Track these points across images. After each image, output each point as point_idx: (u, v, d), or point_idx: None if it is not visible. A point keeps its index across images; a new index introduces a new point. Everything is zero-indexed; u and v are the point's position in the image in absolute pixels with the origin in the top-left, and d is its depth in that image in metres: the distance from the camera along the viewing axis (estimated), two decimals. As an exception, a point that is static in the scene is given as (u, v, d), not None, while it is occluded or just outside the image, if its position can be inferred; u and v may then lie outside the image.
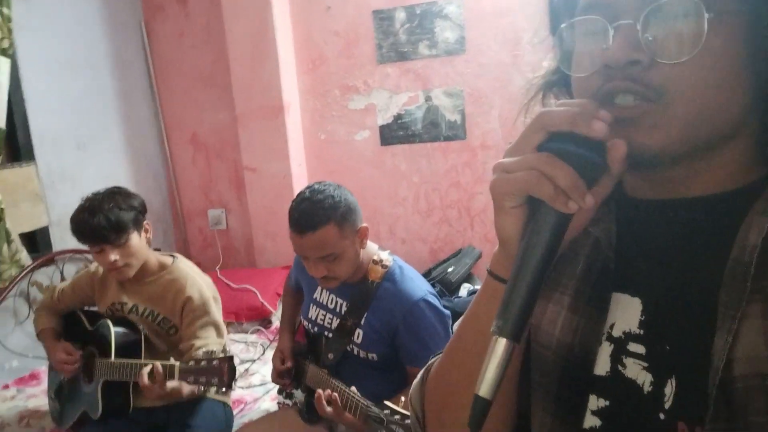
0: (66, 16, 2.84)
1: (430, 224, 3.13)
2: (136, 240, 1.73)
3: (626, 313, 0.56)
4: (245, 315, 2.78)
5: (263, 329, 2.74)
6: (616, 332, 0.57)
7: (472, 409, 0.47)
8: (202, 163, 3.45)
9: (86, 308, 2.01)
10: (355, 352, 1.59)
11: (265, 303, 2.79)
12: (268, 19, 2.96)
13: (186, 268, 1.85)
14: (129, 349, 1.75)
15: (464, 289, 2.68)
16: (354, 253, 1.52)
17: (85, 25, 2.96)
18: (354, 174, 3.17)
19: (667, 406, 0.52)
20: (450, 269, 2.72)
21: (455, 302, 2.55)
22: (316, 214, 1.45)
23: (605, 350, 0.57)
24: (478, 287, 2.70)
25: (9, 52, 2.30)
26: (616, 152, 0.50)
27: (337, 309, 1.63)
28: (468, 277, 2.79)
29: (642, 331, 0.55)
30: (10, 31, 2.29)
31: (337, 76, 3.13)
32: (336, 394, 1.42)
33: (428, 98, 3.00)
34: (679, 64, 0.49)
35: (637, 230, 0.58)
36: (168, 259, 1.87)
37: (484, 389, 0.47)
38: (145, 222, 1.79)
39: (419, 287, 1.56)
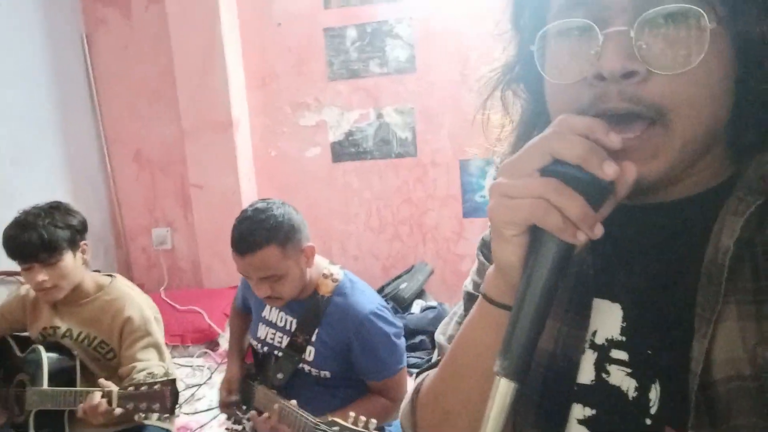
0: (2, 26, 2.71)
1: (383, 241, 3.12)
2: (70, 261, 1.63)
3: (608, 319, 0.56)
4: (191, 338, 2.68)
5: (210, 352, 2.64)
6: (599, 339, 0.56)
7: None
8: (146, 180, 3.33)
9: (16, 334, 1.88)
10: (307, 371, 1.55)
11: (213, 324, 2.70)
12: (217, 33, 2.91)
13: (125, 288, 1.76)
14: (63, 376, 1.64)
15: (417, 305, 2.67)
16: (299, 273, 1.49)
17: (22, 37, 2.83)
18: (305, 191, 3.13)
19: (653, 411, 0.52)
20: (402, 285, 2.71)
21: (408, 318, 2.54)
22: (257, 234, 1.41)
23: (589, 358, 0.56)
24: (431, 303, 2.69)
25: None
26: (626, 176, 0.46)
27: (287, 327, 1.58)
28: (420, 293, 2.79)
29: (624, 338, 0.54)
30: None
31: (288, 93, 3.10)
32: (275, 408, 1.38)
33: (379, 115, 3.01)
34: (676, 75, 0.46)
35: (614, 235, 0.56)
36: (105, 279, 1.78)
37: None
38: (82, 242, 1.70)
39: (370, 300, 1.54)
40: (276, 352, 1.60)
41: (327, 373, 1.53)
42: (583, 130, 0.45)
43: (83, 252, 1.69)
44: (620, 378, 0.54)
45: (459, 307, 0.72)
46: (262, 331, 1.65)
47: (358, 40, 2.97)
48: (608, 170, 0.44)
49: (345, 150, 3.08)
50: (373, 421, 1.25)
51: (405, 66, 2.94)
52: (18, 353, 1.79)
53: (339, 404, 1.49)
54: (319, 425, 1.31)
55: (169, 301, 2.88)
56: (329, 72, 3.03)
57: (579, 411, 0.56)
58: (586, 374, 0.56)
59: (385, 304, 1.60)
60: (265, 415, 1.40)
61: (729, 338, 0.47)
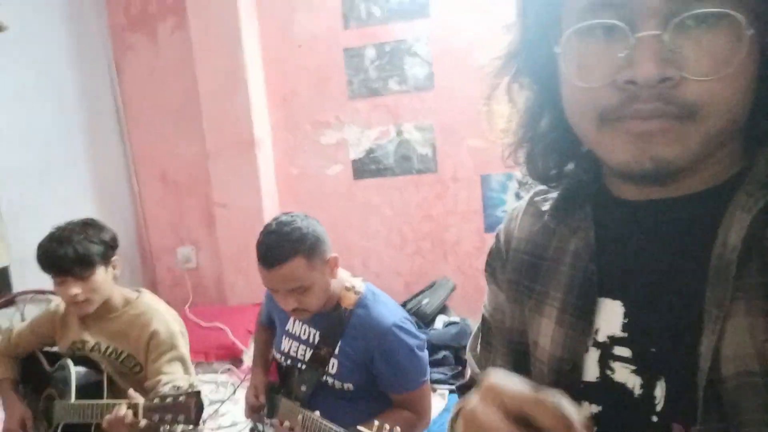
0: (34, 49, 2.81)
1: (404, 257, 3.12)
2: (102, 275, 1.67)
3: (609, 317, 0.56)
4: (215, 354, 2.69)
5: (234, 368, 2.65)
6: (601, 337, 0.56)
7: None
8: (171, 200, 3.39)
9: (45, 349, 1.92)
10: (330, 383, 1.55)
11: (236, 341, 2.71)
12: (239, 55, 2.98)
13: (151, 302, 1.79)
14: (91, 390, 1.66)
15: (439, 321, 2.65)
16: (324, 284, 1.49)
17: (53, 60, 2.93)
18: (327, 208, 3.15)
19: (658, 408, 0.51)
20: (425, 301, 2.70)
21: (431, 334, 2.52)
22: (283, 247, 1.43)
23: (592, 356, 0.56)
24: (453, 318, 2.67)
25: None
26: None
27: (310, 339, 1.59)
28: (443, 309, 2.77)
29: (626, 334, 0.54)
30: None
31: (308, 111, 3.15)
32: (298, 419, 1.38)
33: (399, 132, 3.03)
34: (710, 80, 0.45)
35: (618, 231, 0.57)
36: (133, 294, 1.81)
37: None
38: (113, 258, 1.74)
39: (393, 312, 1.54)
40: (299, 365, 1.60)
41: (350, 386, 1.53)
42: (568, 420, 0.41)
43: (114, 267, 1.73)
44: (625, 375, 0.54)
45: (480, 327, 0.75)
46: (286, 343, 1.65)
47: (377, 59, 3.01)
48: None
49: (366, 167, 3.10)
50: (398, 429, 1.24)
51: (423, 83, 2.97)
52: (47, 368, 1.82)
53: (362, 417, 1.47)
54: (342, 434, 1.30)
55: (193, 318, 2.91)
56: (349, 91, 3.07)
57: (585, 408, 0.56)
58: (590, 372, 0.56)
59: (407, 316, 1.60)
60: (287, 424, 1.40)
61: (737, 334, 0.47)
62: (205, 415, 2.26)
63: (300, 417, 1.42)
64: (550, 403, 0.41)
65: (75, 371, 1.67)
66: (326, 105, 3.12)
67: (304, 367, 1.58)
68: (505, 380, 0.44)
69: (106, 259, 1.69)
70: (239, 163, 3.07)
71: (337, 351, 1.53)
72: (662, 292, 0.52)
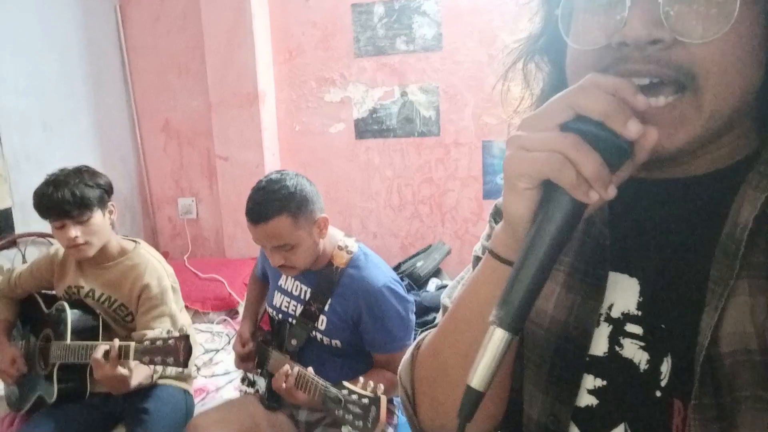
0: (37, -4, 2.78)
1: (402, 219, 3.14)
2: (99, 219, 1.70)
3: (624, 293, 0.55)
4: (212, 305, 2.75)
5: (229, 319, 2.71)
6: (615, 313, 0.56)
7: (463, 400, 0.45)
8: (173, 151, 3.40)
9: (43, 292, 1.96)
10: (319, 339, 1.59)
11: (233, 293, 2.76)
12: (246, 7, 2.93)
13: (147, 255, 1.81)
14: (87, 333, 1.71)
15: (432, 284, 2.69)
16: (312, 243, 1.51)
17: (56, 6, 2.89)
18: (327, 166, 3.16)
19: (663, 383, 0.52)
20: (419, 264, 2.73)
21: (423, 296, 2.56)
22: (269, 204, 1.45)
23: (604, 331, 0.56)
24: (446, 282, 2.71)
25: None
26: (646, 141, 0.44)
27: (301, 295, 1.62)
28: (437, 272, 2.80)
29: (640, 312, 0.54)
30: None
31: (313, 68, 3.11)
32: (294, 371, 1.42)
33: (404, 93, 3.00)
34: (703, 44, 0.45)
35: (632, 209, 0.56)
36: (130, 245, 1.84)
37: (477, 381, 0.44)
38: (110, 203, 1.76)
39: (383, 274, 1.57)
40: (290, 319, 1.64)
41: (338, 342, 1.57)
42: (611, 89, 0.44)
43: (111, 213, 1.76)
44: (633, 351, 0.54)
45: (466, 272, 0.71)
46: (278, 299, 1.69)
47: (386, 16, 2.95)
48: (632, 128, 0.43)
49: (368, 127, 3.09)
50: (381, 386, 1.28)
51: (431, 44, 2.92)
52: (45, 309, 1.87)
53: (349, 373, 1.52)
54: (328, 388, 1.35)
55: (192, 268, 2.95)
56: (355, 48, 3.03)
57: (590, 381, 0.56)
58: (599, 346, 0.56)
59: (398, 278, 1.62)
60: (286, 367, 1.44)
61: (739, 312, 0.47)
62: (199, 362, 2.34)
63: (296, 369, 1.44)
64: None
65: (71, 313, 1.72)
66: (332, 62, 3.08)
67: (294, 322, 1.62)
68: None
69: (102, 202, 1.71)
70: (242, 117, 3.06)
71: (326, 308, 1.56)
72: (675, 270, 0.53)
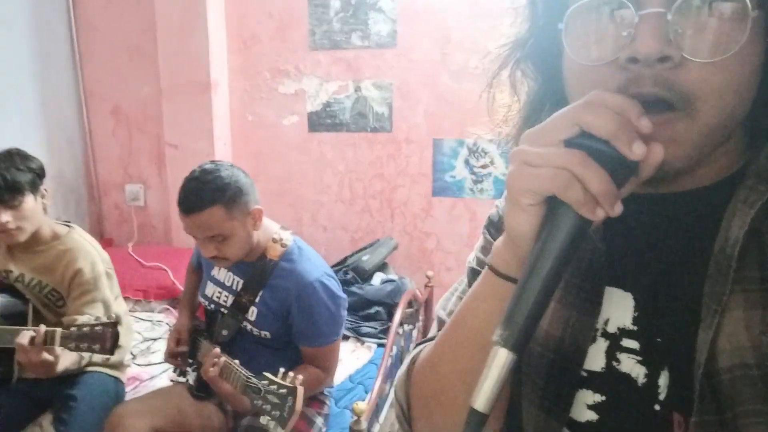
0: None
1: (352, 213, 3.16)
2: (31, 203, 1.67)
3: (620, 308, 0.55)
4: (154, 293, 2.72)
5: (171, 308, 2.69)
6: (611, 328, 0.56)
7: (467, 423, 0.44)
8: (122, 135, 3.33)
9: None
10: (249, 329, 1.60)
11: (176, 282, 2.73)
12: (199, -7, 2.89)
13: (80, 239, 1.79)
14: (16, 319, 1.68)
15: (377, 278, 2.72)
16: (245, 235, 1.52)
17: (2, -20, 2.80)
18: (280, 158, 3.16)
19: (661, 397, 0.52)
20: (365, 257, 2.76)
21: (366, 290, 2.59)
22: (202, 195, 1.45)
23: (601, 346, 0.56)
24: (391, 276, 2.72)
25: None
26: (652, 158, 0.44)
27: (233, 286, 1.63)
28: (383, 267, 2.84)
29: (636, 327, 0.54)
30: None
31: (268, 58, 3.10)
32: (221, 361, 1.42)
33: (358, 88, 3.02)
34: (708, 63, 0.45)
35: (625, 224, 0.55)
36: (63, 229, 1.81)
37: (481, 403, 0.44)
38: (42, 187, 1.72)
39: (316, 268, 1.59)
40: (222, 309, 1.65)
41: (267, 334, 1.58)
42: (618, 108, 0.43)
43: (43, 197, 1.72)
44: (630, 365, 0.54)
45: (460, 283, 0.71)
46: (210, 289, 1.69)
47: (342, 11, 2.96)
48: (637, 150, 0.43)
49: (321, 120, 3.09)
50: (300, 377, 1.30)
51: (386, 41, 2.94)
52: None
53: (279, 364, 1.53)
54: (250, 378, 1.36)
55: (135, 256, 2.91)
56: (311, 41, 3.02)
57: (589, 397, 0.56)
58: (597, 361, 0.56)
59: (332, 273, 1.64)
60: (217, 349, 1.44)
61: (734, 327, 0.47)
62: (136, 351, 2.32)
63: (223, 359, 1.44)
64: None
65: (-1, 297, 1.68)
66: (287, 54, 3.07)
67: (225, 312, 1.63)
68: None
69: (35, 187, 1.68)
70: (194, 105, 3.02)
71: (257, 300, 1.57)
72: (669, 284, 0.53)
